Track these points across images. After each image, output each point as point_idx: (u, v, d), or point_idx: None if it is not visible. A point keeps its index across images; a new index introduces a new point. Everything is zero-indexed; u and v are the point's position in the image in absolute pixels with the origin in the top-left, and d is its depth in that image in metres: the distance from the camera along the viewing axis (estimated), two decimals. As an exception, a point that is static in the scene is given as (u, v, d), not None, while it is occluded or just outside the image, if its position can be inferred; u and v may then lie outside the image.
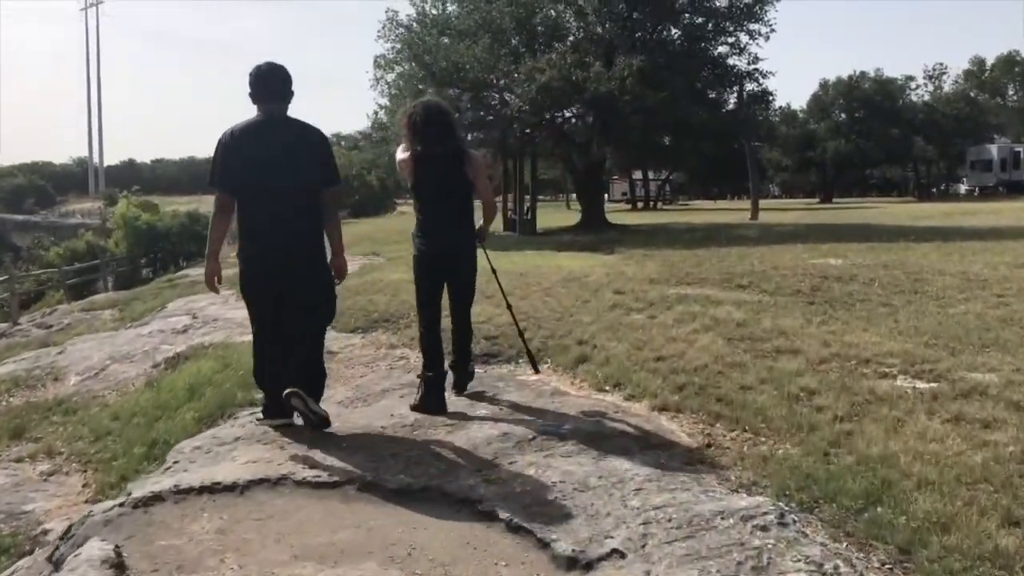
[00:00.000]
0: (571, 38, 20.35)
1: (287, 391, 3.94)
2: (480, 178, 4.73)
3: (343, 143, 52.64)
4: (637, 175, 57.38)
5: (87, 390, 7.79)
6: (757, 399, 4.46)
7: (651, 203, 56.50)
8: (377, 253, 15.88)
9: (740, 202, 72.26)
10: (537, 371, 5.38)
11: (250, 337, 4.63)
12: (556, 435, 3.98)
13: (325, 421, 4.15)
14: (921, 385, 4.70)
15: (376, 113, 21.48)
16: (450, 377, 4.99)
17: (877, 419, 4.02)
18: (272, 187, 3.99)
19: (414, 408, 4.59)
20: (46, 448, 5.80)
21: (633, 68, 16.86)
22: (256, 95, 4.08)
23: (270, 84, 4.08)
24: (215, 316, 9.95)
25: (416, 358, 6.59)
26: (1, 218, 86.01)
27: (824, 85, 64.12)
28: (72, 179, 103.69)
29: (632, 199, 56.92)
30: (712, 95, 21.32)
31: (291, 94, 4.20)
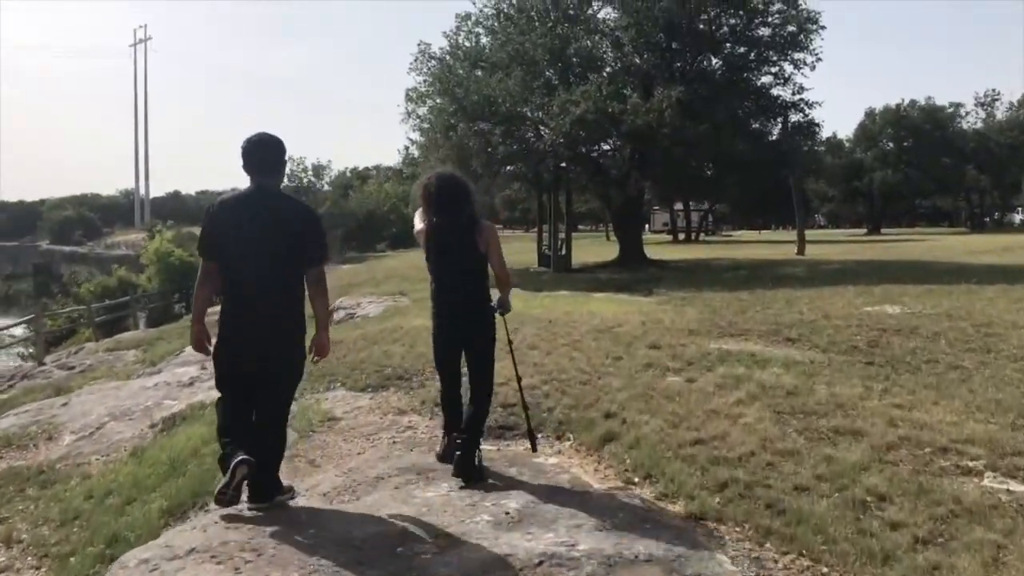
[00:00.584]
0: (607, 69, 19.77)
1: (239, 459, 3.75)
2: (492, 249, 4.66)
3: (378, 174, 52.59)
4: (678, 205, 56.37)
5: (77, 453, 7.25)
6: (815, 507, 3.68)
7: (693, 235, 55.43)
8: (404, 293, 15.29)
9: (785, 232, 70.79)
10: (535, 450, 4.98)
11: None
12: (566, 561, 3.24)
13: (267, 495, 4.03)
14: (1017, 488, 3.88)
15: (407, 148, 21.09)
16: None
17: (969, 545, 3.22)
18: (255, 260, 3.92)
19: (440, 458, 4.77)
20: (6, 534, 5.23)
21: (672, 99, 16.18)
22: (248, 167, 4.02)
23: (262, 157, 4.04)
24: (224, 367, 9.40)
25: (424, 428, 5.94)
26: (50, 249, 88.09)
27: (871, 114, 62.72)
28: (119, 211, 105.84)
29: (673, 230, 55.89)
30: (755, 126, 20.50)
31: (284, 165, 4.24)
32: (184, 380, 9.17)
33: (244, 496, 3.94)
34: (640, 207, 22.64)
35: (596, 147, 19.63)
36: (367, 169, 64.47)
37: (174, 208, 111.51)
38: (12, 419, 9.11)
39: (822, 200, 66.46)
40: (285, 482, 4.26)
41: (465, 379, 4.88)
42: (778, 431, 4.91)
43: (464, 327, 4.69)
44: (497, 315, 4.78)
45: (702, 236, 56.41)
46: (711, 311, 10.69)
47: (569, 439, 5.26)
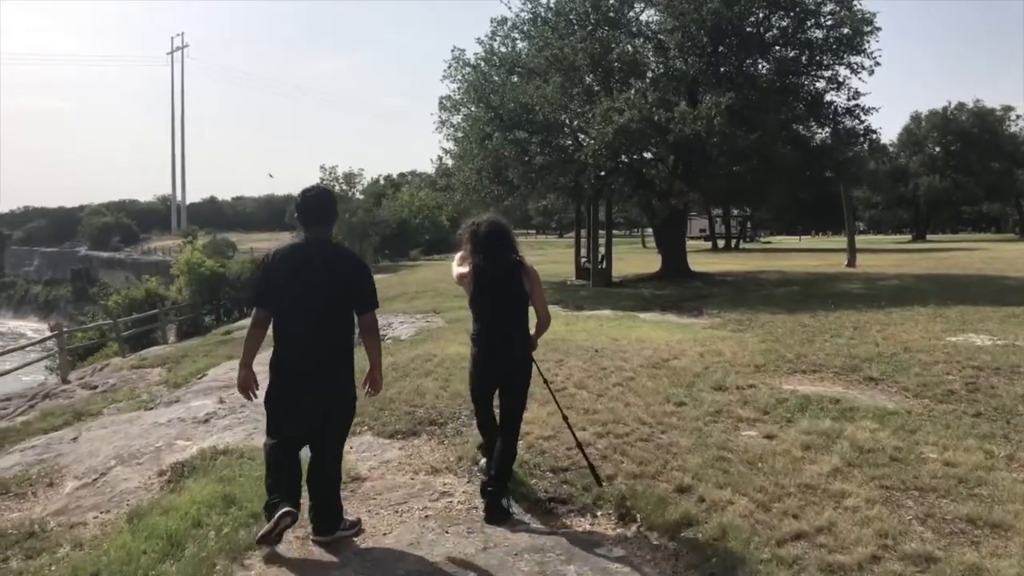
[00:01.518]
0: (650, 75, 18.84)
1: (285, 510, 4.05)
2: (536, 292, 4.78)
3: (412, 182, 52.07)
4: (717, 210, 55.03)
5: (75, 507, 6.51)
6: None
7: (733, 242, 54.09)
8: (437, 311, 14.49)
9: (826, 239, 69.05)
10: (600, 484, 4.79)
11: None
12: None
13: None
14: None
15: (440, 158, 20.32)
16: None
17: None
18: (307, 308, 4.14)
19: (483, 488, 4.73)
20: (-27, 628, 4.49)
21: (721, 107, 15.21)
22: (302, 219, 4.25)
23: (315, 210, 4.26)
24: (244, 403, 8.65)
25: (462, 495, 5.09)
26: (88, 255, 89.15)
27: (916, 118, 60.92)
28: (156, 216, 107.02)
29: (712, 237, 54.59)
30: (806, 133, 19.40)
31: (335, 217, 4.46)
32: (200, 416, 8.44)
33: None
34: (684, 218, 21.62)
35: (639, 156, 18.69)
36: (402, 175, 64.10)
37: (210, 214, 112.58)
38: (17, 456, 8.45)
39: (865, 206, 64.64)
40: (351, 517, 4.49)
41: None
42: (896, 521, 4.00)
43: (505, 368, 4.77)
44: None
45: (741, 244, 55.03)
46: (773, 339, 9.73)
47: (636, 520, 4.38)
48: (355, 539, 4.37)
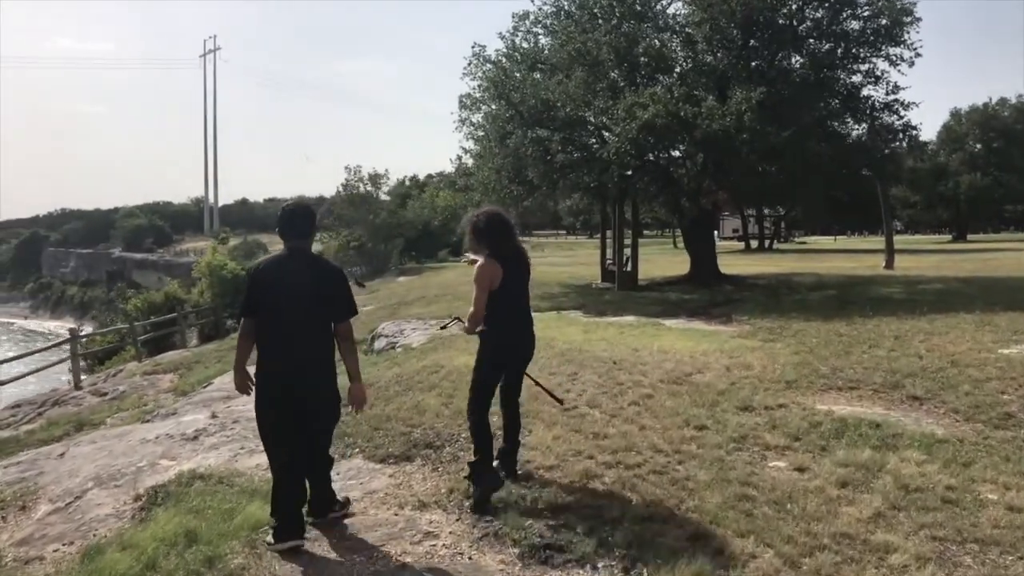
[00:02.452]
0: (677, 69, 18.09)
1: (292, 544, 4.34)
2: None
3: (434, 183, 51.47)
4: (750, 210, 53.91)
5: (41, 536, 6.03)
6: None
7: (766, 242, 52.92)
8: (452, 317, 13.89)
9: (862, 239, 67.46)
10: (561, 402, 5.94)
11: (255, 459, 5.35)
12: None
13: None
14: None
15: (459, 158, 19.73)
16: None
17: None
18: (288, 316, 4.34)
19: (474, 509, 4.73)
20: None
21: (752, 102, 14.46)
22: (282, 232, 4.50)
23: (295, 223, 4.48)
24: (236, 416, 8.19)
25: (448, 536, 4.50)
26: (122, 256, 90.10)
27: (956, 114, 59.13)
28: (189, 218, 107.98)
29: (745, 237, 53.47)
30: (842, 130, 18.51)
31: (315, 230, 4.66)
32: (189, 433, 7.95)
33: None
34: (713, 219, 20.81)
35: (666, 154, 17.95)
36: (430, 176, 63.65)
37: (242, 215, 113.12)
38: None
39: (903, 206, 62.97)
40: (340, 497, 4.90)
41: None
42: (955, 585, 3.33)
43: (527, 352, 5.16)
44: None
45: (774, 244, 53.85)
46: (807, 350, 9.01)
47: (643, 574, 3.76)
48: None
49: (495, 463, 5.01)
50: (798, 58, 18.64)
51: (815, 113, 17.10)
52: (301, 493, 4.55)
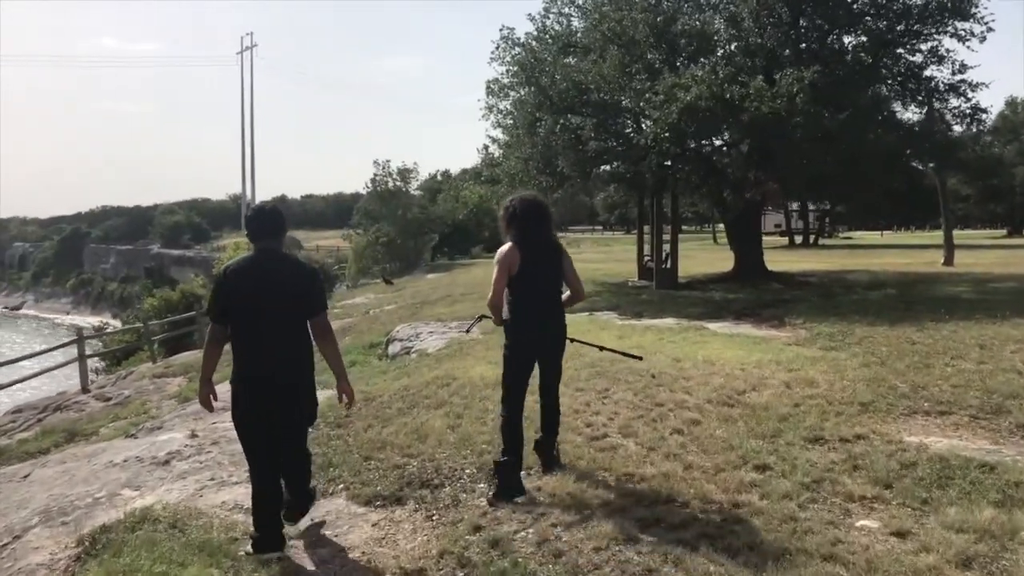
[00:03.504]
0: (720, 51, 16.73)
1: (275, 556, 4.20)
2: (571, 267, 4.97)
3: (456, 178, 50.33)
4: (794, 205, 51.93)
5: (-41, 588, 5.06)
6: None
7: (811, 238, 51.00)
8: (483, 315, 12.77)
9: (910, 235, 64.99)
10: (640, 358, 6.00)
11: (222, 495, 5.16)
12: None
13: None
14: None
15: (486, 148, 18.53)
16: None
17: None
18: (263, 318, 4.23)
19: (491, 503, 4.56)
20: None
21: (804, 82, 13.11)
22: (252, 234, 4.41)
23: (264, 224, 4.40)
24: (217, 436, 7.17)
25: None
26: (160, 253, 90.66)
27: (1012, 103, 56.45)
28: (227, 215, 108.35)
29: (789, 233, 51.56)
30: (903, 115, 17.02)
31: (284, 230, 4.51)
32: (161, 456, 6.95)
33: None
34: (759, 212, 19.39)
35: (708, 141, 16.61)
36: (464, 171, 62.52)
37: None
38: (-48, 500, 7.12)
39: (954, 199, 60.27)
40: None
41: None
42: None
43: (550, 343, 4.91)
44: None
45: (819, 240, 51.87)
46: (878, 362, 7.73)
47: None
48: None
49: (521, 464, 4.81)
50: (852, 37, 17.19)
51: (872, 96, 15.65)
52: (280, 500, 4.47)
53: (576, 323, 10.98)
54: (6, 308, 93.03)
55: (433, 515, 4.56)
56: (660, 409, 6.10)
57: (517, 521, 4.18)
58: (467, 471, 5.12)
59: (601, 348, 5.59)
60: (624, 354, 5.62)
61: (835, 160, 14.39)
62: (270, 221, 4.42)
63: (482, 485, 4.85)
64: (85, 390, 15.17)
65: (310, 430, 5.73)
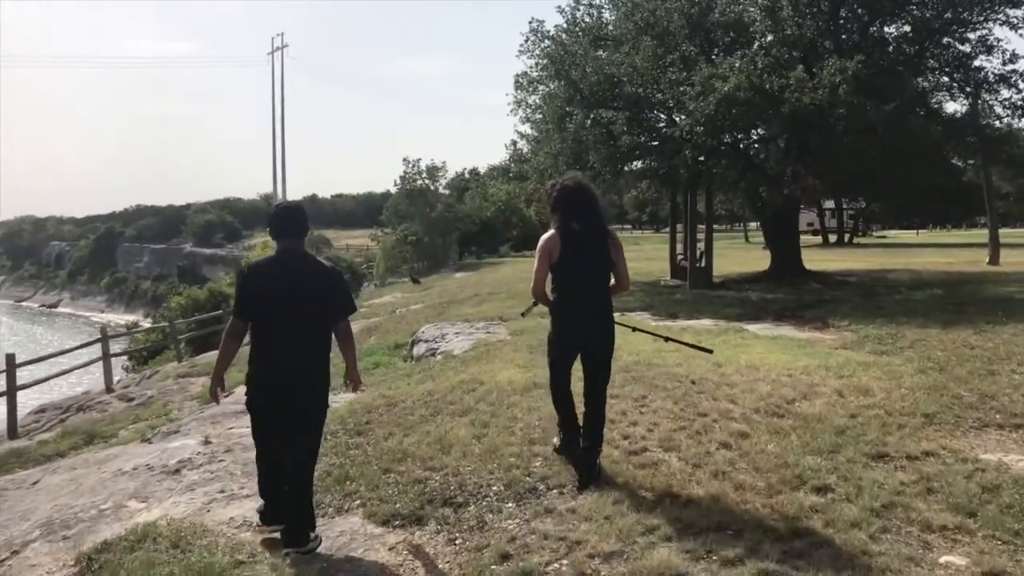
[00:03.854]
0: (756, 43, 16.12)
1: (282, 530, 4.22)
2: (621, 257, 4.73)
3: (482, 176, 49.84)
4: (828, 202, 50.82)
5: (-50, 610, 4.76)
6: None
7: (846, 236, 49.91)
8: (504, 318, 12.37)
9: (947, 234, 63.45)
10: (711, 351, 5.53)
11: (231, 510, 4.92)
12: None
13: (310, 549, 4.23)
14: None
15: (514, 143, 18.05)
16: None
17: None
18: (281, 318, 4.20)
19: (557, 450, 4.91)
20: None
21: (847, 72, 12.50)
22: (275, 232, 4.35)
23: (287, 223, 4.35)
24: (231, 443, 6.81)
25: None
26: (193, 252, 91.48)
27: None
28: (258, 214, 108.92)
29: (823, 231, 50.49)
30: (951, 107, 16.32)
31: (306, 230, 4.47)
32: (171, 464, 6.61)
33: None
34: (797, 209, 18.72)
35: (745, 135, 16.02)
36: (492, 168, 62.07)
37: (310, 211, 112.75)
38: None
39: (995, 196, 58.61)
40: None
41: None
42: None
43: (593, 334, 4.69)
44: None
45: (854, 239, 50.75)
46: (936, 368, 7.18)
47: None
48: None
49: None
50: (894, 27, 16.49)
51: (916, 87, 14.97)
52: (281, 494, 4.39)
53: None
54: (44, 306, 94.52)
55: (456, 538, 4.14)
56: (704, 420, 5.62)
57: (549, 550, 3.73)
58: (494, 488, 4.69)
59: (667, 339, 5.29)
60: (692, 346, 5.38)
61: (877, 154, 13.73)
62: (293, 220, 4.40)
63: (510, 504, 4.42)
64: (109, 390, 14.99)
65: (327, 435, 5.64)
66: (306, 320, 4.23)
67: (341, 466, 5.47)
